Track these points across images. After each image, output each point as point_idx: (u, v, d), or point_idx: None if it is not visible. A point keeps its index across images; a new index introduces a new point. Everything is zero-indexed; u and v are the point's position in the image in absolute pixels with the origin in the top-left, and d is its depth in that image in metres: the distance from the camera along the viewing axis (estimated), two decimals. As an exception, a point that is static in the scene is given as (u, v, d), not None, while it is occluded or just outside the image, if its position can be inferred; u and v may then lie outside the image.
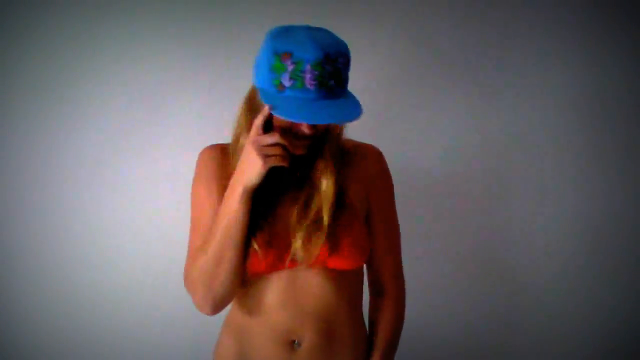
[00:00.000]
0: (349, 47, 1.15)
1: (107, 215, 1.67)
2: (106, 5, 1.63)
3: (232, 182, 1.15)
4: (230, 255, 1.15)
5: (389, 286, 1.33)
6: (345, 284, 1.25)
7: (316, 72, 1.09)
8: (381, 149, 1.33)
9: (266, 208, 1.19)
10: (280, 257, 1.19)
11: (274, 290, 1.22)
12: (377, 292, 1.35)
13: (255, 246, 1.17)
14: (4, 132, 1.64)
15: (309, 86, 1.09)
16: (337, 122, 1.13)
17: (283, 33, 1.13)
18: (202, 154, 1.28)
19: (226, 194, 1.16)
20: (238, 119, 1.21)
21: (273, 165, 1.11)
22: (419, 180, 1.75)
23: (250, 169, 1.11)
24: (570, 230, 1.81)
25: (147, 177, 1.68)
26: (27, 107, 1.63)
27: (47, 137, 1.65)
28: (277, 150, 1.11)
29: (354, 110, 1.12)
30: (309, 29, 1.15)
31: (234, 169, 1.18)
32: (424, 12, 1.73)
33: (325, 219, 1.18)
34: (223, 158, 1.25)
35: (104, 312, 1.68)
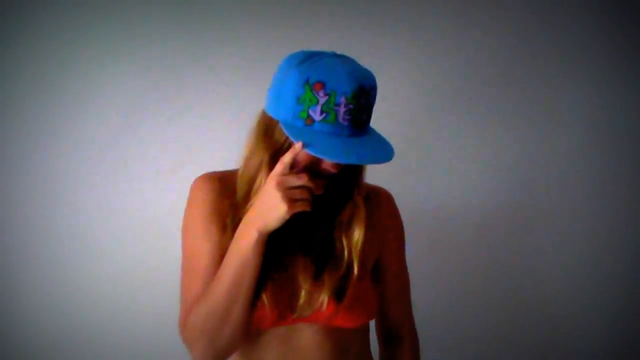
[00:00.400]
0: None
1: (107, 213, 1.60)
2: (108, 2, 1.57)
3: (244, 223, 1.01)
4: (239, 308, 1.00)
5: (405, 334, 1.25)
6: (349, 339, 1.13)
7: (351, 106, 0.97)
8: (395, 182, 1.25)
9: (276, 255, 1.05)
10: (284, 310, 1.06)
11: (273, 348, 1.09)
12: (390, 342, 1.26)
13: (265, 299, 1.04)
14: (3, 129, 1.56)
15: (342, 121, 0.97)
16: (378, 162, 0.99)
17: (310, 59, 1.00)
18: (197, 184, 1.12)
19: (237, 236, 1.01)
20: (251, 150, 1.06)
21: (299, 211, 0.97)
22: (442, 211, 1.70)
23: (271, 212, 0.97)
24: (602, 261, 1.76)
25: (148, 175, 1.60)
26: (26, 105, 1.56)
27: (46, 133, 1.58)
28: (304, 194, 0.97)
29: (388, 148, 1.01)
30: (336, 56, 1.03)
31: (238, 200, 1.05)
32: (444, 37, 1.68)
33: (356, 272, 1.06)
34: (222, 188, 1.10)
35: (104, 311, 1.62)
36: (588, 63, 1.71)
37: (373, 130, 1.05)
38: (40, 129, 1.56)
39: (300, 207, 0.97)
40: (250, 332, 1.06)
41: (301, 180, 0.97)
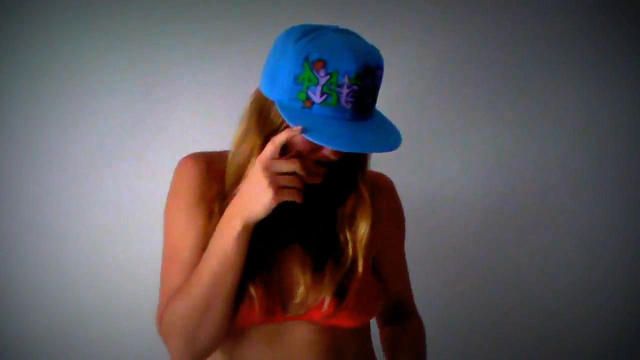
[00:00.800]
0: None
1: (106, 215, 1.56)
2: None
3: (228, 212, 0.92)
4: (219, 304, 0.92)
5: (410, 310, 1.20)
6: (346, 339, 1.03)
7: (355, 87, 0.88)
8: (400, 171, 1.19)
9: (267, 247, 0.97)
10: (275, 307, 0.97)
11: (260, 346, 0.99)
12: (392, 319, 1.19)
13: (253, 293, 0.94)
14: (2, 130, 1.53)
15: (344, 104, 0.88)
16: (384, 150, 0.90)
17: (310, 35, 0.90)
18: (182, 165, 1.02)
19: (219, 226, 0.92)
20: (243, 132, 0.96)
21: (286, 200, 0.88)
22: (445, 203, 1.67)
23: (256, 200, 0.87)
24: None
25: (148, 177, 1.55)
26: (26, 104, 1.52)
27: (45, 134, 1.53)
28: (293, 182, 0.88)
29: (394, 135, 0.92)
30: (339, 31, 0.93)
31: (227, 186, 0.97)
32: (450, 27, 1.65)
33: (360, 270, 0.98)
34: (210, 172, 1.00)
35: (101, 313, 1.58)
36: (591, 56, 1.69)
37: (379, 114, 0.96)
38: (38, 126, 1.52)
39: (287, 196, 0.88)
40: (234, 330, 0.97)
41: (292, 165, 0.87)
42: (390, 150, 0.89)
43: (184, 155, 1.04)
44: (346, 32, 0.93)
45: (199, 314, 0.91)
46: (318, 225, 0.99)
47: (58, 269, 1.55)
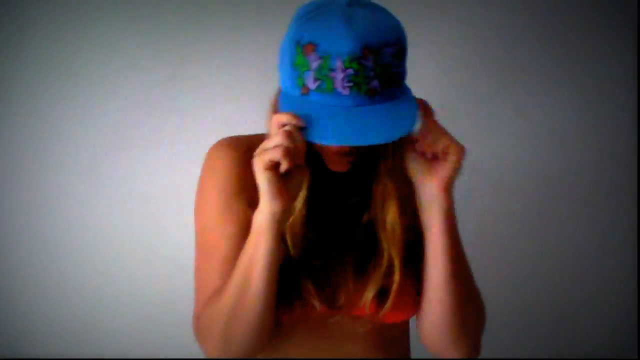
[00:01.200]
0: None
1: (107, 213, 1.51)
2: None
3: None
4: (252, 301, 0.86)
5: None
6: (389, 336, 0.98)
7: (350, 72, 0.78)
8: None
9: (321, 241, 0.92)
10: (318, 306, 0.92)
11: (302, 339, 0.96)
12: None
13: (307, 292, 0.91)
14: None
15: (341, 90, 0.79)
16: (379, 141, 0.80)
17: (311, 13, 0.83)
18: (216, 152, 0.96)
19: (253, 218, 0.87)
20: (266, 124, 0.89)
21: (268, 164, 0.80)
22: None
23: (260, 189, 0.82)
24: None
25: (150, 173, 1.50)
26: (26, 100, 1.48)
27: (45, 130, 1.49)
28: (275, 153, 0.79)
29: (405, 120, 0.81)
30: (349, 5, 0.83)
31: None
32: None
33: (397, 269, 0.91)
34: (248, 157, 0.88)
35: (104, 313, 1.55)
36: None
37: (404, 92, 0.85)
38: (37, 122, 1.48)
39: (268, 162, 0.79)
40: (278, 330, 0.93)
41: (275, 139, 0.79)
42: (390, 140, 0.80)
43: (216, 141, 0.99)
44: (358, 6, 0.83)
45: (231, 313, 0.87)
46: (357, 222, 0.94)
47: (56, 268, 1.52)
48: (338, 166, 0.90)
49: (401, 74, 0.84)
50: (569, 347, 1.61)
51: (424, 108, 0.86)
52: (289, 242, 0.91)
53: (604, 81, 1.56)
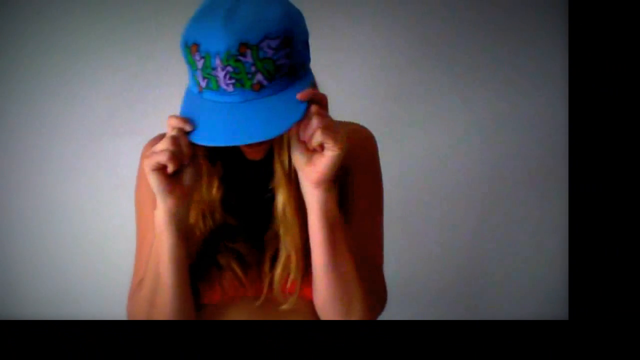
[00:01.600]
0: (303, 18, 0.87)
1: (100, 205, 1.59)
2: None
3: None
4: (165, 291, 0.92)
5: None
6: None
7: (229, 69, 0.80)
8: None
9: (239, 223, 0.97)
10: (244, 282, 0.97)
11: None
12: None
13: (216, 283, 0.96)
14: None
15: (225, 87, 0.82)
16: (259, 139, 0.82)
17: (201, 12, 0.85)
18: (146, 149, 1.01)
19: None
20: None
21: (155, 166, 0.84)
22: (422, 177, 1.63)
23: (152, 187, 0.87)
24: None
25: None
26: (25, 80, 1.55)
27: (38, 118, 1.56)
28: (161, 156, 0.83)
29: (291, 114, 0.82)
30: (237, 1, 0.84)
31: None
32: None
33: (294, 267, 0.93)
34: None
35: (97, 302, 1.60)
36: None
37: (297, 83, 0.85)
38: (30, 110, 1.54)
39: (155, 167, 0.83)
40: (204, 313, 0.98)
41: (162, 144, 0.83)
42: (263, 138, 0.81)
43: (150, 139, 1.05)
44: (245, 2, 0.84)
45: (150, 301, 0.94)
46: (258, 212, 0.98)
47: (51, 258, 1.59)
48: (252, 154, 0.93)
49: (292, 64, 0.84)
50: (500, 309, 1.64)
51: (315, 97, 0.84)
52: (210, 228, 0.96)
53: (535, 73, 1.59)
